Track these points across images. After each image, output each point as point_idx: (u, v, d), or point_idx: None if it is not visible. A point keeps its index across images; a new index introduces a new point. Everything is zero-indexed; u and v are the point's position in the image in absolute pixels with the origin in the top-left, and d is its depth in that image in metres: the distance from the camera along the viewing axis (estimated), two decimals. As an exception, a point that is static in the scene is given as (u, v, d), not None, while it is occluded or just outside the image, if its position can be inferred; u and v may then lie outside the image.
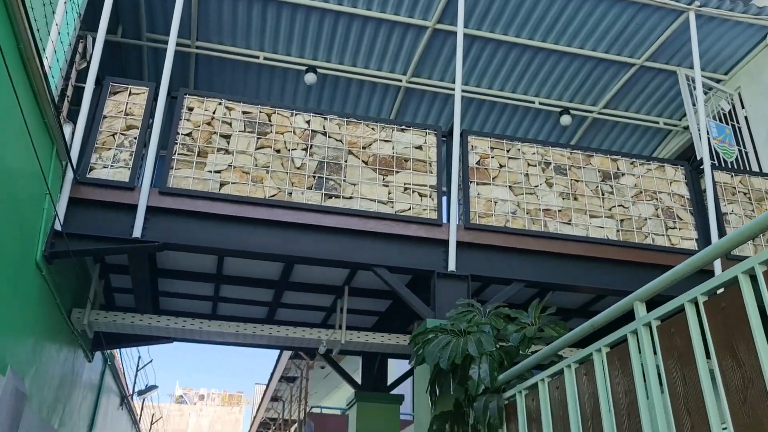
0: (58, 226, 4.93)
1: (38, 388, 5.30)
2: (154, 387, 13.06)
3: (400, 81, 8.21)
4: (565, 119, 8.55)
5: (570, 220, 6.12)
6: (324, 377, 18.03)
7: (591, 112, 8.79)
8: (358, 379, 8.31)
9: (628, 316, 3.08)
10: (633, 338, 2.92)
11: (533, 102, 8.61)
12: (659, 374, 2.73)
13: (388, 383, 8.42)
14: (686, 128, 8.88)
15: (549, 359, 4.15)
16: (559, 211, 6.14)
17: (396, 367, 10.52)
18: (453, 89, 8.05)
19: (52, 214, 4.89)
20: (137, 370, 12.36)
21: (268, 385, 20.29)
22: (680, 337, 2.61)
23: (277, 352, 17.58)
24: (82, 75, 5.56)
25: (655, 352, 2.77)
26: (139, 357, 12.74)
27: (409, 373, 9.06)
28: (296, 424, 16.08)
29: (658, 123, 8.97)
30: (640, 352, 2.86)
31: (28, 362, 4.89)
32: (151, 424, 18.12)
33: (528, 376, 4.17)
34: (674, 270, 2.80)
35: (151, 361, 13.11)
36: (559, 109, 8.62)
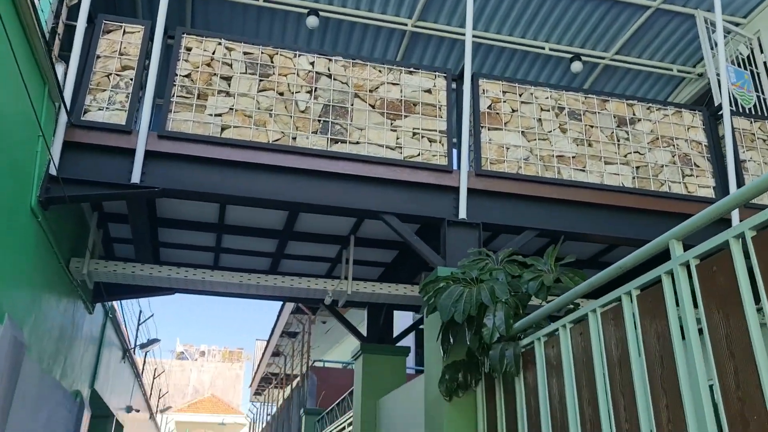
0: (53, 171, 4.71)
1: (38, 339, 5.16)
2: (156, 340, 13.00)
3: (406, 25, 7.87)
4: (576, 66, 8.25)
5: (584, 167, 5.91)
6: (325, 332, 18.08)
7: (602, 58, 8.48)
8: (364, 332, 8.21)
9: (651, 263, 2.93)
10: (668, 279, 2.74)
11: (543, 48, 8.29)
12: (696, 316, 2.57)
13: (394, 336, 8.32)
14: (700, 75, 8.60)
15: (565, 307, 4.01)
16: (573, 157, 5.93)
17: (400, 321, 10.40)
18: (460, 33, 7.75)
19: (46, 158, 4.66)
20: (138, 324, 12.29)
21: (269, 340, 20.39)
22: (723, 276, 2.43)
23: (278, 308, 17.60)
24: (73, 13, 5.25)
25: (694, 296, 2.60)
26: (140, 311, 12.66)
27: (413, 327, 8.97)
28: (298, 378, 16.16)
29: (671, 70, 8.67)
30: (675, 294, 2.69)
31: (26, 311, 4.73)
32: (153, 378, 18.21)
33: (545, 324, 4.02)
34: (712, 208, 2.63)
35: (152, 315, 13.04)
36: (569, 56, 8.31)
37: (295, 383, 16.81)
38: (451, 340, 4.62)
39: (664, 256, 2.84)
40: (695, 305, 2.59)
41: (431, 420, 4.87)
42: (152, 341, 12.90)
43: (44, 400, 5.50)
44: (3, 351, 4.00)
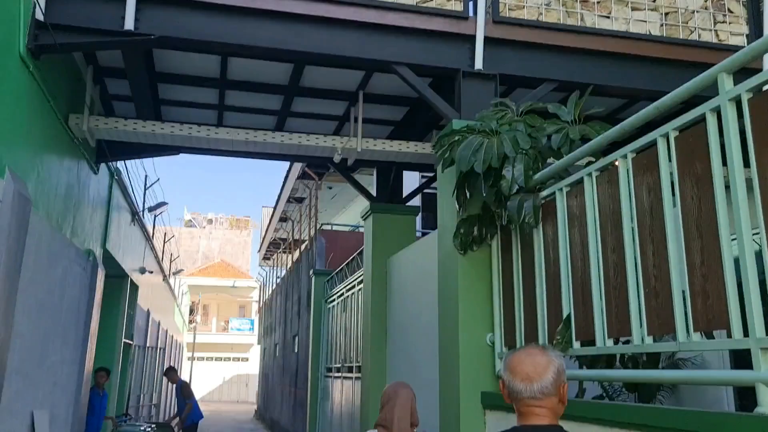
0: (39, 16, 4.36)
1: (44, 195, 5.05)
2: (164, 203, 13.04)
3: None
4: None
5: (609, 13, 5.50)
6: (332, 198, 18.15)
7: None
8: (373, 193, 8.12)
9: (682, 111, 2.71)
10: (713, 117, 2.54)
11: None
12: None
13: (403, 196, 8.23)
14: None
15: (587, 159, 3.85)
16: (598, 2, 5.50)
17: (407, 184, 10.30)
18: None
19: (31, 1, 4.30)
20: (145, 189, 12.26)
21: (276, 206, 20.57)
22: (780, 109, 2.22)
23: (283, 175, 17.56)
24: None
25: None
26: (146, 176, 12.60)
27: (420, 189, 8.86)
28: (306, 242, 16.44)
29: None
30: (721, 132, 2.49)
31: (28, 166, 4.59)
32: (164, 242, 18.55)
33: (566, 176, 3.87)
34: (763, 40, 2.37)
35: (158, 180, 12.99)
36: None
37: (303, 247, 17.13)
38: (467, 194, 4.49)
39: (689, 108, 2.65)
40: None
41: (445, 274, 4.86)
42: (160, 204, 12.93)
43: (57, 256, 5.50)
44: (8, 205, 3.90)
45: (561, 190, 3.69)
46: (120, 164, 8.98)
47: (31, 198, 4.39)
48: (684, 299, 2.62)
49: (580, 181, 3.50)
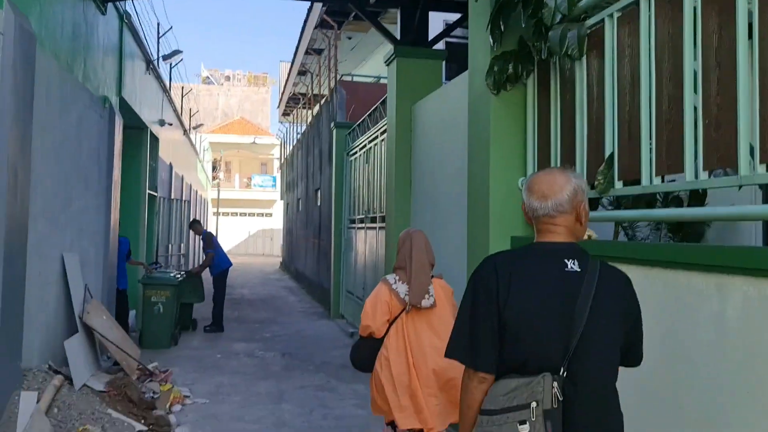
0: None
1: (49, 33, 4.75)
2: (178, 51, 12.56)
3: None
4: None
5: None
6: (351, 49, 17.45)
7: None
8: (397, 36, 7.64)
9: None
10: None
11: None
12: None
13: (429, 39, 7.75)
14: None
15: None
16: None
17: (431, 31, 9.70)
18: None
19: None
20: (158, 37, 11.76)
21: (294, 59, 19.92)
22: None
23: (301, 25, 16.76)
24: None
25: None
26: (158, 23, 12.04)
27: (445, 33, 8.33)
28: (326, 96, 16.03)
29: None
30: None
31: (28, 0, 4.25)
32: (182, 96, 18.22)
33: (613, 2, 3.47)
34: None
35: (171, 28, 12.41)
36: None
37: (323, 100, 16.74)
38: (502, 27, 4.12)
39: None
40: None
41: (475, 117, 4.60)
42: (175, 52, 12.46)
43: (70, 100, 5.30)
44: (10, 38, 3.63)
45: (611, 16, 3.32)
46: (130, 9, 8.51)
47: (34, 33, 4.11)
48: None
49: (634, 4, 3.13)
